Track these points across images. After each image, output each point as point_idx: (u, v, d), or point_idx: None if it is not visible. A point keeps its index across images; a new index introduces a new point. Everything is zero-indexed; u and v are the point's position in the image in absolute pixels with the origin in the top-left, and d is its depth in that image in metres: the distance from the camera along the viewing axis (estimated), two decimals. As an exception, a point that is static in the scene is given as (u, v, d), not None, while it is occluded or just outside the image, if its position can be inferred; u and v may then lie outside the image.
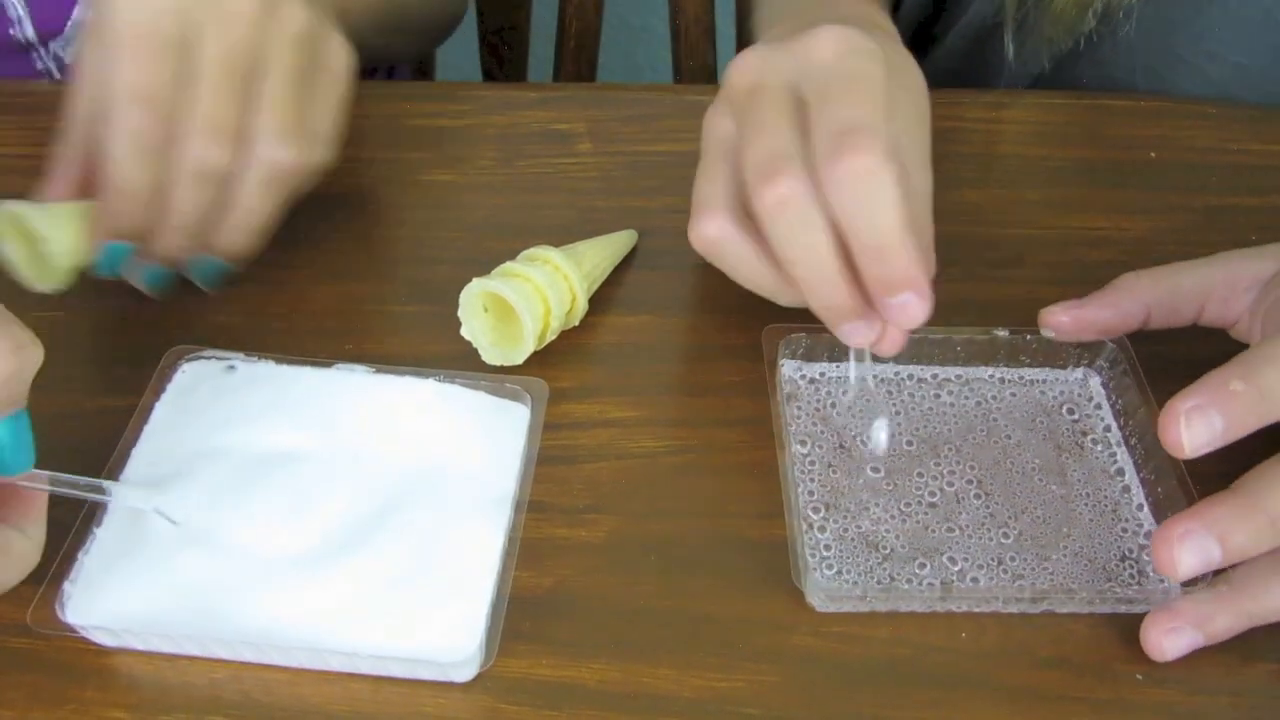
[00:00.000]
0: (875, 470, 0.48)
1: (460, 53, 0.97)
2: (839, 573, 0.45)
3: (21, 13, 0.67)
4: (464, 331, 0.51)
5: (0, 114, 0.63)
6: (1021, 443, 0.49)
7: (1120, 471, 0.48)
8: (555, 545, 0.46)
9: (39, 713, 0.41)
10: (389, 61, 0.85)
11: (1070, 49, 0.66)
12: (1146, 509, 0.47)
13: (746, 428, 0.50)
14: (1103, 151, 0.65)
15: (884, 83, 0.45)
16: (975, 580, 0.45)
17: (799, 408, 0.50)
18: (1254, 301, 0.48)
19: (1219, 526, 0.40)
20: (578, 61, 0.93)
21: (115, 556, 0.43)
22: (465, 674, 0.41)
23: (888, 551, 0.45)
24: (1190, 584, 0.42)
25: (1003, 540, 0.46)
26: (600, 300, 0.54)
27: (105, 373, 0.51)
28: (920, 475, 0.48)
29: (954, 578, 0.45)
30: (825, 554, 0.45)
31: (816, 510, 0.47)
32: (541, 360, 0.51)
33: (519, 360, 0.51)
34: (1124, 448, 0.49)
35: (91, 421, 0.48)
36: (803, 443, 0.49)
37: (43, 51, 0.69)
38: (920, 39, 0.79)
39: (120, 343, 0.52)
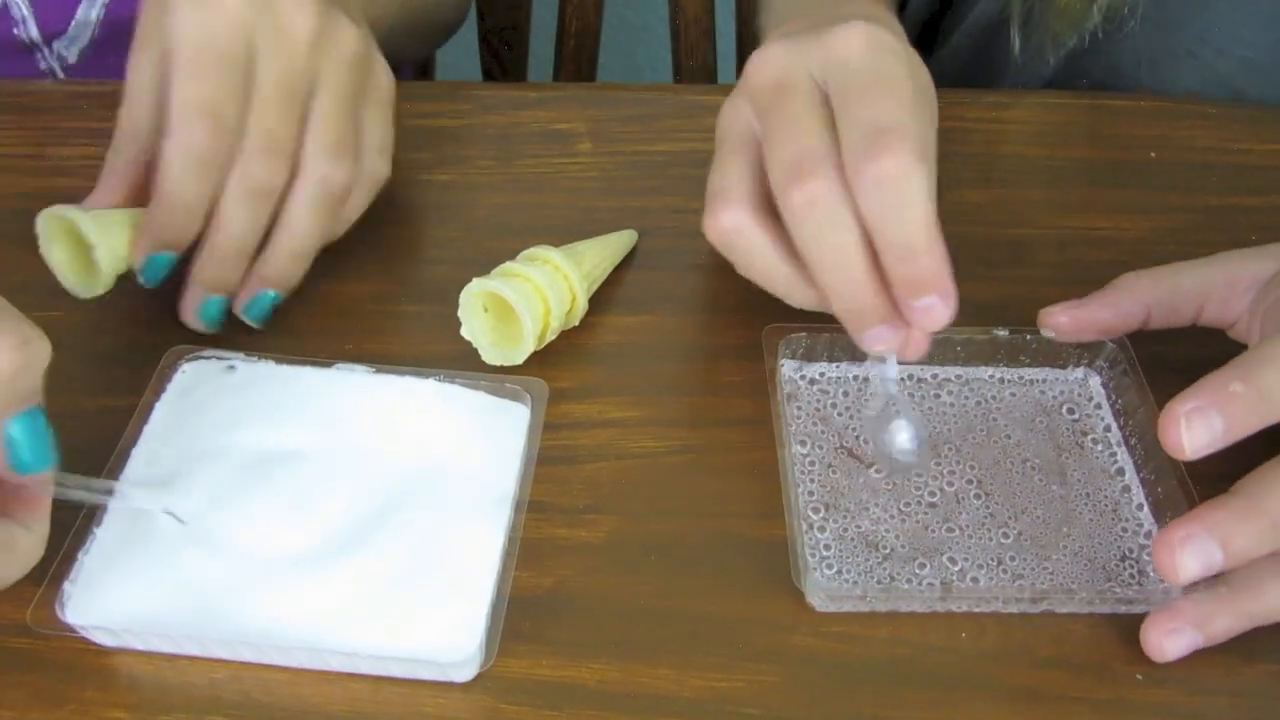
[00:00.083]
0: (876, 470, 0.48)
1: (460, 53, 0.97)
2: (839, 573, 0.45)
3: (25, 13, 0.67)
4: (464, 331, 0.51)
5: (2, 114, 0.63)
6: (1021, 443, 0.49)
7: (1120, 471, 0.48)
8: (555, 545, 0.46)
9: (39, 713, 0.40)
10: (395, 64, 0.86)
11: (1076, 46, 0.66)
12: (1146, 509, 0.47)
13: (746, 428, 0.50)
14: (1103, 151, 0.65)
15: (910, 82, 0.45)
16: (975, 580, 0.45)
17: (799, 408, 0.50)
18: (1253, 302, 0.48)
19: (1220, 530, 0.40)
20: (578, 61, 0.93)
21: (115, 556, 0.43)
22: (465, 674, 0.41)
23: (888, 551, 0.45)
24: (1190, 585, 0.42)
25: (1003, 540, 0.46)
26: (600, 300, 0.54)
27: (105, 373, 0.51)
28: (920, 475, 0.48)
29: (954, 578, 0.45)
30: (825, 554, 0.45)
31: (816, 510, 0.47)
32: (541, 360, 0.51)
33: (519, 360, 0.51)
34: (1124, 448, 0.49)
35: (91, 421, 0.48)
36: (803, 443, 0.49)
37: (46, 52, 0.69)
38: (925, 38, 0.79)
39: (120, 343, 0.52)
